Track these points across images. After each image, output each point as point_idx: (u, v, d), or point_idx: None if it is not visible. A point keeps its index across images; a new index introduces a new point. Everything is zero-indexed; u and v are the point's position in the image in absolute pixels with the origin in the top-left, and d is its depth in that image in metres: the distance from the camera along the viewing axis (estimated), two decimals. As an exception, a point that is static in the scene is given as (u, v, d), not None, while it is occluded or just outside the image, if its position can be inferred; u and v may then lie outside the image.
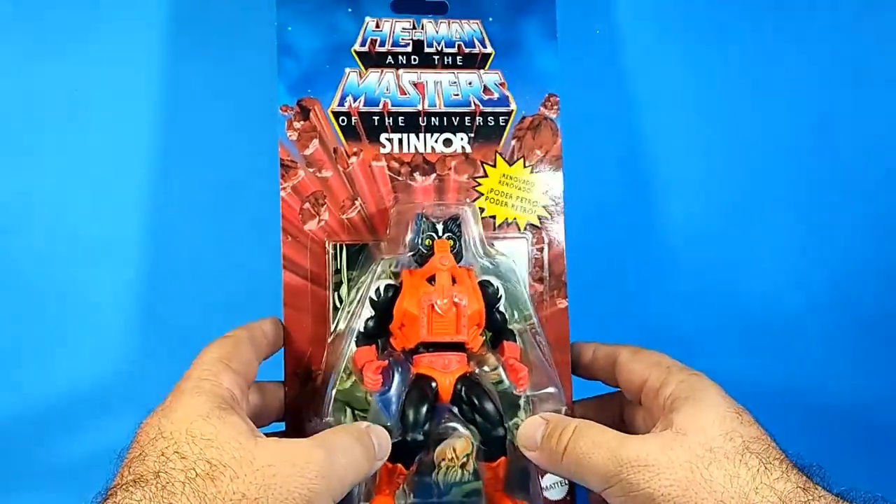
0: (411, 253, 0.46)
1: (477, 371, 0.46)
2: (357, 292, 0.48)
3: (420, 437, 0.43)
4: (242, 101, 0.54)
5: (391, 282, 0.46)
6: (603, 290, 0.60)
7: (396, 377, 0.46)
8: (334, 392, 0.46)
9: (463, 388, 0.44)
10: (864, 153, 0.62)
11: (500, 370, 0.46)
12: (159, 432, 0.35)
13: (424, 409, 0.43)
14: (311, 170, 0.49)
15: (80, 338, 0.54)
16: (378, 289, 0.46)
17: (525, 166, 0.51)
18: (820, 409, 0.61)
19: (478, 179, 0.50)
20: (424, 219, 0.46)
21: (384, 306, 0.45)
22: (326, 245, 0.48)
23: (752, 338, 0.61)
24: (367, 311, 0.46)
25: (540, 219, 0.51)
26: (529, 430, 0.43)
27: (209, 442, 0.35)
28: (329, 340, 0.48)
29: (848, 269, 0.61)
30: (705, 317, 0.61)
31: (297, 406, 0.48)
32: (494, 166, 0.50)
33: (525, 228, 0.50)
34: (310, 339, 0.48)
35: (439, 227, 0.46)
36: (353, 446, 0.39)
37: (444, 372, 0.44)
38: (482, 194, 0.50)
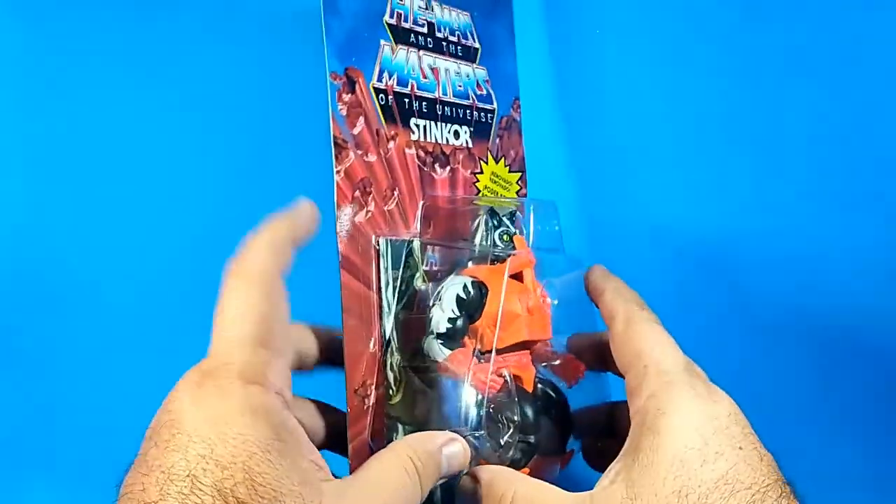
0: (486, 250, 0.43)
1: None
2: (404, 293, 0.43)
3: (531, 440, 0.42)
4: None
5: (475, 279, 0.42)
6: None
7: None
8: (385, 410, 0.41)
9: (539, 385, 0.44)
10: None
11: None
12: (210, 463, 0.30)
13: (531, 410, 0.42)
14: (359, 152, 0.41)
15: (114, 334, 0.53)
16: (466, 286, 0.42)
17: (505, 165, 0.51)
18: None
19: (476, 175, 0.49)
20: (493, 213, 0.44)
21: (474, 306, 0.42)
22: (373, 240, 0.42)
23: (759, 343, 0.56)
24: (451, 312, 0.42)
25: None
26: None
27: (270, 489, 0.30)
28: (378, 350, 0.42)
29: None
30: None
31: (359, 429, 0.40)
32: (487, 163, 0.50)
33: (507, 227, 0.51)
34: (365, 350, 0.41)
35: (510, 222, 0.44)
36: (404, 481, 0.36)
37: (526, 370, 0.43)
38: (479, 191, 0.49)
